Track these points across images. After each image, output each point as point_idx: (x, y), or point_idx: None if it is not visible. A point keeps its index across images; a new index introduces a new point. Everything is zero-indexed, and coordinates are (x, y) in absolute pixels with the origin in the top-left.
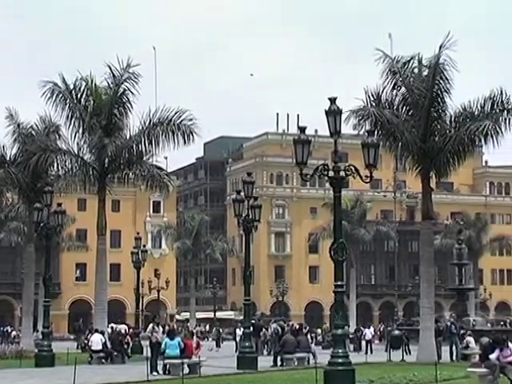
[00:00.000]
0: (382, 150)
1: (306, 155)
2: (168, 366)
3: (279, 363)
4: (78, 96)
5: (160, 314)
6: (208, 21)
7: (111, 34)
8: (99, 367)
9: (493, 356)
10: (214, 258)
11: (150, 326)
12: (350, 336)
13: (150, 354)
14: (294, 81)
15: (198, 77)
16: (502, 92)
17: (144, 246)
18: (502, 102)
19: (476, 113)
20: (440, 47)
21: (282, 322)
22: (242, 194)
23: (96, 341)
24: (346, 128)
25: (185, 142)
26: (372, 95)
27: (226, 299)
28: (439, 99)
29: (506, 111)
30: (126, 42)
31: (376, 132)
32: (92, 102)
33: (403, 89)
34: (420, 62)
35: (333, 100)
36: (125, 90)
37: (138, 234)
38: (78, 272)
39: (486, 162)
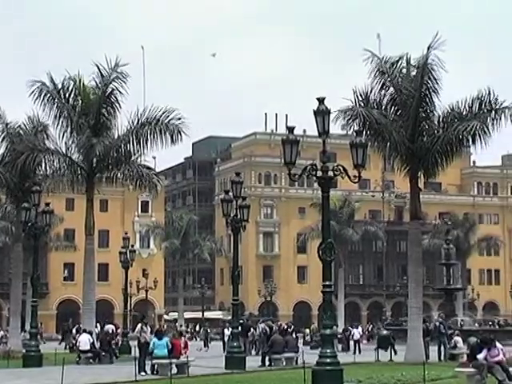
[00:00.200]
0: (371, 150)
1: (295, 155)
2: (156, 366)
3: (267, 363)
4: (66, 95)
5: (148, 314)
6: (195, 21)
7: (99, 33)
8: (87, 367)
9: (480, 356)
10: (203, 257)
11: (139, 326)
12: (339, 336)
13: (138, 354)
14: (283, 81)
15: (186, 77)
16: (489, 92)
17: (132, 245)
18: (489, 102)
19: (464, 113)
20: (428, 47)
21: (270, 322)
22: (231, 193)
23: (84, 341)
24: (335, 128)
25: (173, 142)
26: (360, 95)
27: (215, 299)
28: (427, 99)
29: (493, 111)
30: (114, 42)
31: (364, 132)
32: (80, 101)
33: (391, 89)
34: (408, 62)
35: (321, 100)
36: (113, 89)
37: (126, 233)
38: (65, 272)
39: (474, 162)
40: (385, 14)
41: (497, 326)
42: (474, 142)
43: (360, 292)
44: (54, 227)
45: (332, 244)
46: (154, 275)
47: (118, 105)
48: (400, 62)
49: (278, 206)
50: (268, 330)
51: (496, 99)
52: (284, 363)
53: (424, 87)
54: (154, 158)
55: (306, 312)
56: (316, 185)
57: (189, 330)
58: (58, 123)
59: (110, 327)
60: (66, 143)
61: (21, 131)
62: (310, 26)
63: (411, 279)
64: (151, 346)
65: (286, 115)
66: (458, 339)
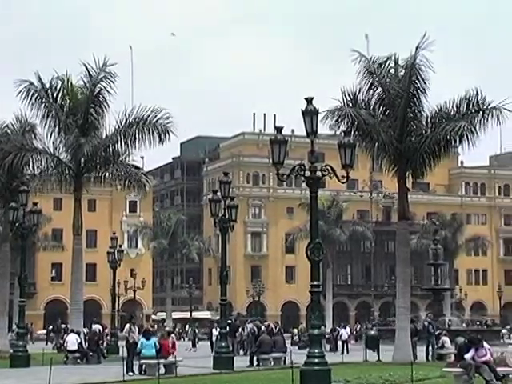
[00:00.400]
0: (359, 151)
1: (283, 155)
2: (144, 366)
3: (255, 363)
4: (54, 95)
5: (136, 314)
6: (183, 21)
7: (87, 33)
8: (75, 367)
9: (468, 356)
10: (191, 257)
11: (127, 326)
12: (327, 336)
13: (126, 354)
14: (271, 81)
15: (174, 77)
16: (477, 93)
17: (120, 245)
18: (477, 102)
19: (452, 113)
20: (416, 48)
21: (258, 322)
22: (219, 193)
23: (71, 341)
24: (323, 128)
25: (161, 141)
26: (349, 95)
27: (203, 299)
28: (415, 100)
29: (481, 112)
30: (102, 42)
31: (352, 132)
32: (68, 101)
33: (380, 89)
34: (396, 62)
35: (309, 100)
36: (101, 89)
37: (114, 233)
38: (53, 272)
39: (462, 162)
40: (373, 14)
41: (484, 327)
42: (461, 142)
43: (348, 292)
44: (42, 227)
45: (320, 244)
46: (142, 275)
47: (106, 104)
48: (388, 62)
49: (266, 206)
50: (256, 330)
51: (484, 100)
52: (272, 363)
53: (412, 87)
54: (142, 157)
55: (294, 312)
56: (304, 185)
57: (176, 330)
58: (46, 123)
59: (96, 327)
60: (53, 143)
61: (8, 131)
62: (298, 27)
63: (399, 279)
64: (139, 346)
65: (275, 115)
66: (446, 339)
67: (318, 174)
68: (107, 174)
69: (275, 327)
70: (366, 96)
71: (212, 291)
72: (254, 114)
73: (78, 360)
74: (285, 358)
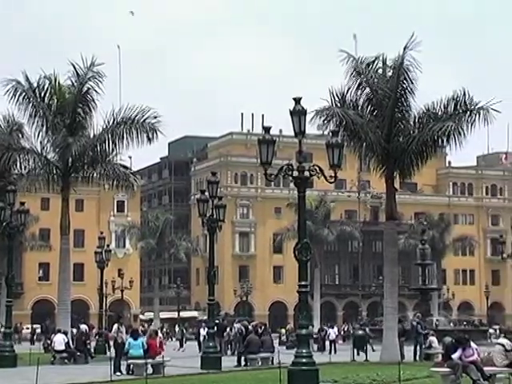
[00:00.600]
0: (347, 151)
1: (271, 155)
2: (131, 366)
3: (243, 363)
4: (42, 94)
5: (124, 314)
6: (171, 21)
7: (75, 33)
8: (62, 367)
9: (455, 356)
10: (178, 257)
11: (115, 326)
12: (314, 336)
13: (114, 354)
14: (259, 81)
15: (162, 77)
16: (464, 93)
17: (108, 245)
18: (464, 102)
19: (439, 113)
20: (404, 48)
21: (245, 322)
22: (207, 193)
23: (59, 341)
24: (311, 128)
25: (149, 141)
26: (337, 95)
27: (190, 299)
28: (403, 100)
29: (468, 112)
30: (90, 42)
31: (340, 132)
32: (56, 100)
33: (368, 89)
34: (384, 62)
35: (297, 100)
36: (89, 88)
37: (101, 233)
38: (40, 272)
39: (450, 162)
40: (361, 14)
41: (471, 326)
42: (448, 142)
43: (336, 292)
44: (29, 227)
45: (308, 244)
46: (129, 275)
47: (93, 104)
48: (376, 62)
49: (254, 205)
50: (244, 329)
51: (471, 100)
52: (260, 363)
53: (400, 88)
54: (130, 157)
55: (282, 312)
56: (292, 185)
57: (164, 329)
58: (34, 122)
59: (83, 327)
60: (41, 142)
61: None
62: (285, 27)
63: (387, 279)
64: (126, 346)
65: (263, 115)
66: (433, 339)
67: (306, 174)
68: (95, 174)
69: (260, 328)
70: (354, 96)
71: (200, 291)
72: (242, 114)
73: (66, 360)
74: (272, 357)
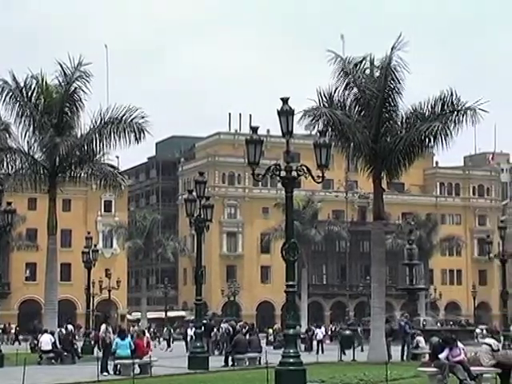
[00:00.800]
0: (334, 151)
1: (258, 155)
2: (119, 366)
3: (230, 363)
4: (29, 94)
5: (111, 314)
6: (157, 21)
7: (62, 33)
8: (49, 368)
9: (442, 355)
10: (166, 257)
11: (103, 326)
12: (302, 336)
13: (101, 355)
14: (247, 81)
15: (149, 77)
16: (452, 93)
17: (95, 245)
18: (452, 103)
19: (427, 114)
20: (392, 48)
21: (233, 321)
22: (194, 193)
23: (45, 341)
24: (298, 128)
25: (136, 141)
26: (324, 96)
27: (178, 299)
28: (391, 100)
29: (455, 112)
30: (77, 42)
31: (328, 132)
32: (43, 100)
33: (355, 89)
34: (372, 62)
35: (285, 100)
36: (76, 88)
37: (89, 233)
38: (27, 272)
39: (437, 163)
40: (348, 14)
41: (458, 326)
42: (435, 142)
43: (323, 292)
44: (16, 227)
45: (295, 244)
46: (116, 275)
47: (81, 104)
48: (363, 62)
49: (242, 205)
50: (231, 329)
51: (458, 100)
52: (247, 363)
53: (387, 88)
54: (118, 157)
55: (270, 312)
56: (280, 185)
57: (151, 329)
58: (21, 122)
59: (69, 327)
60: (28, 142)
61: None
62: (273, 27)
63: (374, 279)
64: (114, 346)
65: (250, 115)
66: (420, 339)
67: (294, 174)
68: (82, 174)
69: (244, 328)
70: (341, 96)
71: (187, 291)
72: (230, 114)
73: (53, 360)
74: (260, 357)
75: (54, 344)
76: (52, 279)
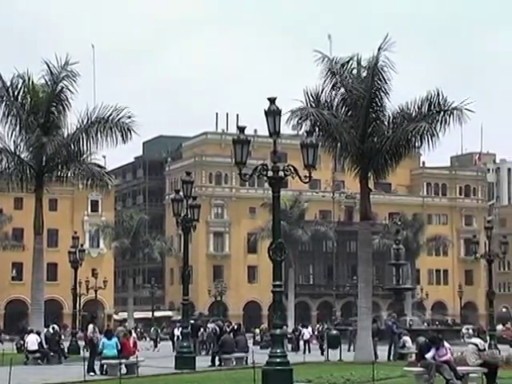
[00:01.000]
0: (321, 151)
1: (245, 155)
2: (105, 366)
3: (217, 363)
4: (15, 93)
5: (97, 314)
6: (145, 21)
7: (49, 32)
8: (35, 368)
9: (429, 355)
10: (153, 257)
11: (91, 326)
12: (288, 336)
13: (88, 355)
14: (234, 81)
15: (136, 76)
16: (438, 93)
17: (82, 245)
18: (438, 103)
19: (413, 114)
20: (378, 49)
21: (220, 321)
22: (181, 193)
23: (32, 341)
24: (286, 128)
25: (123, 140)
26: (311, 96)
27: (164, 299)
28: (377, 100)
29: (442, 112)
30: (64, 41)
31: (315, 132)
32: (29, 99)
33: (342, 89)
34: (359, 63)
35: (272, 100)
36: (63, 87)
37: (75, 233)
38: (14, 271)
39: (424, 163)
40: (335, 15)
41: (445, 326)
42: (422, 142)
43: (310, 292)
44: (3, 226)
45: (282, 244)
46: (103, 275)
47: (67, 103)
48: (351, 62)
49: (229, 205)
50: (218, 329)
51: (445, 100)
52: (234, 363)
53: (374, 88)
54: (104, 157)
55: (257, 312)
56: (267, 185)
57: (138, 329)
58: (7, 121)
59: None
60: (14, 141)
61: None
62: (260, 27)
63: (361, 279)
64: (100, 346)
65: (237, 115)
66: (407, 339)
67: (281, 173)
68: (69, 173)
69: (227, 326)
70: (328, 96)
71: (174, 291)
72: (217, 114)
73: (39, 360)
74: (247, 357)
75: (40, 344)
76: (38, 279)
